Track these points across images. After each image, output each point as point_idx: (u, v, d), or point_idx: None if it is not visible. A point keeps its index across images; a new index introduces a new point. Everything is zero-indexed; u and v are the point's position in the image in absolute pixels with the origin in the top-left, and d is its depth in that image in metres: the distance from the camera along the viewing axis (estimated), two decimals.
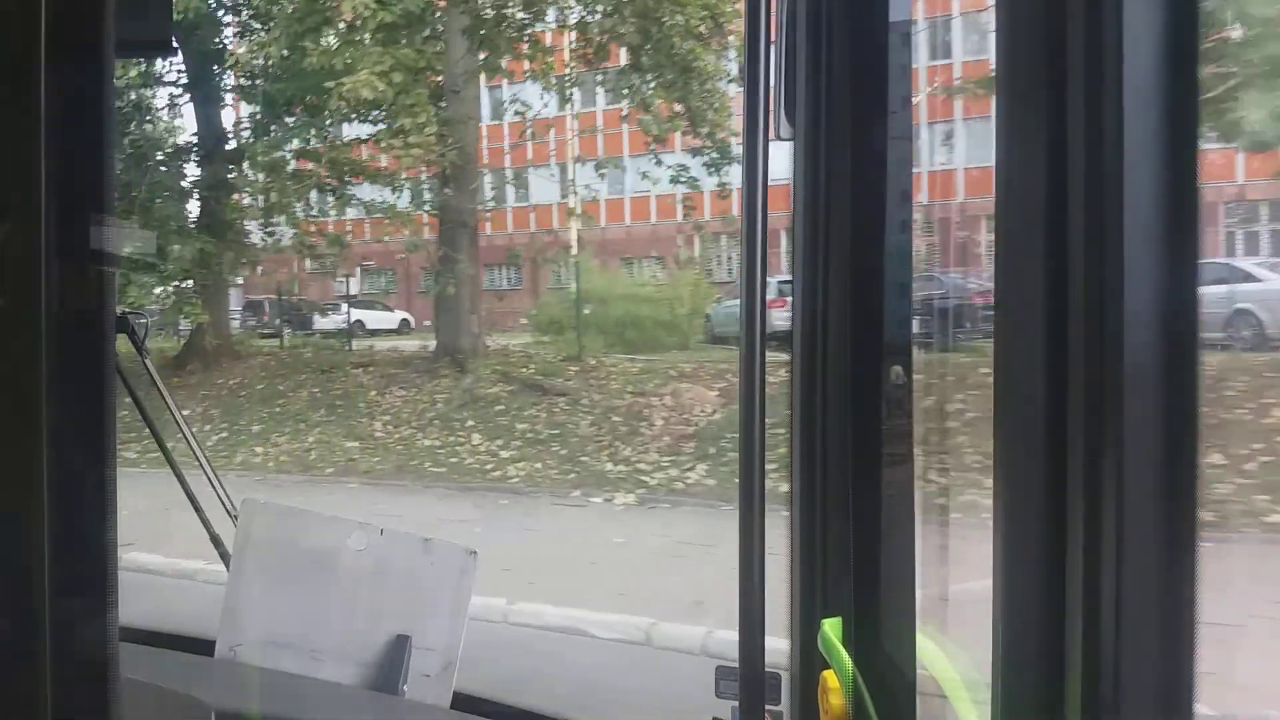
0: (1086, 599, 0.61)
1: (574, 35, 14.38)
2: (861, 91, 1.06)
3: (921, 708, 0.93)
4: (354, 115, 13.63)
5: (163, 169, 15.63)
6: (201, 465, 2.06)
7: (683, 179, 14.37)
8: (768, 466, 0.95)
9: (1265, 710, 2.92)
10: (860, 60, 1.06)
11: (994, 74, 0.70)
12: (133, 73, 14.86)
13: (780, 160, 1.16)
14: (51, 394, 0.89)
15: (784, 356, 1.21)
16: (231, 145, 15.64)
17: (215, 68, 15.66)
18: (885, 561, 1.02)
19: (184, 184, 15.86)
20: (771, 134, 1.11)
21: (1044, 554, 0.65)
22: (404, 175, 14.09)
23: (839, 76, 1.09)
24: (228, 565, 1.88)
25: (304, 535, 1.87)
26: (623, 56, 13.97)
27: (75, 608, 0.91)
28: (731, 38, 12.76)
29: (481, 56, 13.56)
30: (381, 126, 13.42)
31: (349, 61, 12.33)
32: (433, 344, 14.62)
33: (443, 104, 13.45)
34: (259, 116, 15.48)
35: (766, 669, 1.05)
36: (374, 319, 22.53)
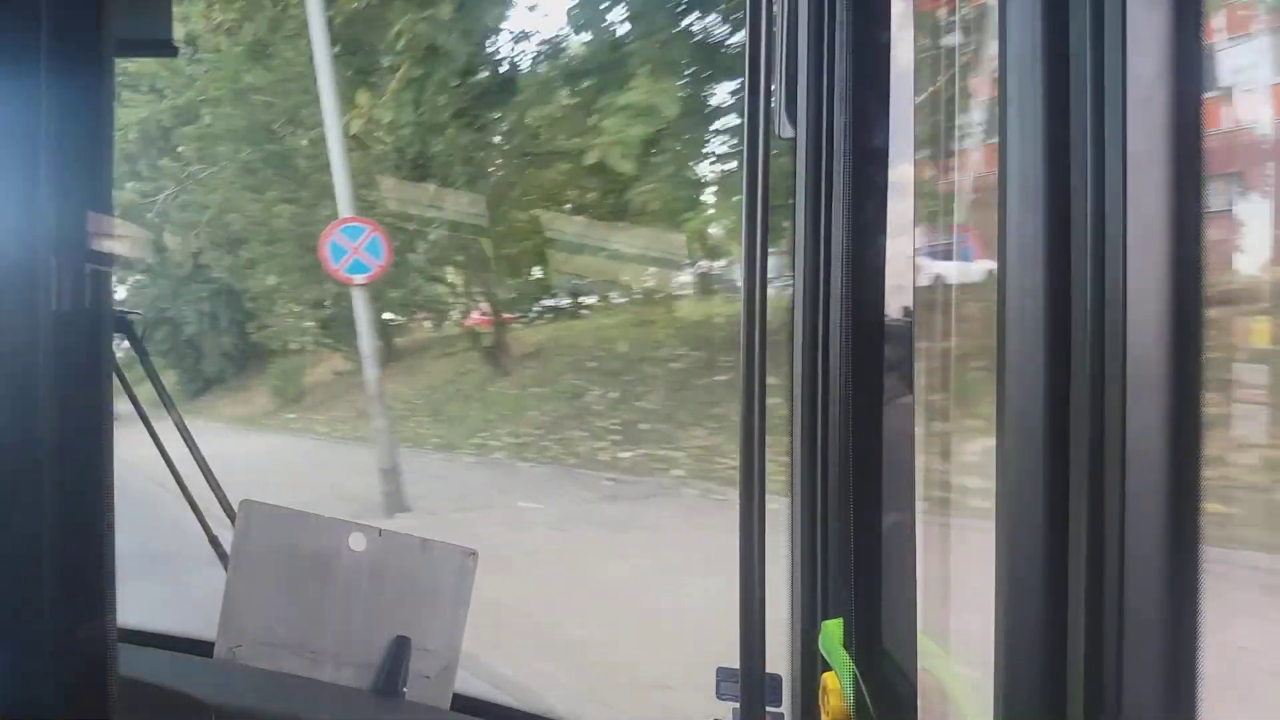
0: (1089, 599, 0.61)
1: None
2: (862, 91, 1.06)
3: (923, 710, 0.93)
4: None
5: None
6: (200, 466, 2.05)
7: None
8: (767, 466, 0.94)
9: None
10: (861, 59, 1.06)
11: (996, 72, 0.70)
12: None
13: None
14: (50, 395, 0.88)
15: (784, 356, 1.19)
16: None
17: None
18: (887, 563, 1.01)
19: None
20: (772, 133, 1.11)
21: (1046, 554, 0.65)
22: None
23: (839, 76, 1.08)
24: (226, 566, 1.88)
25: (303, 536, 1.87)
26: None
27: (74, 608, 0.91)
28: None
29: None
30: None
31: None
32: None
33: None
34: None
35: (767, 671, 1.05)
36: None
